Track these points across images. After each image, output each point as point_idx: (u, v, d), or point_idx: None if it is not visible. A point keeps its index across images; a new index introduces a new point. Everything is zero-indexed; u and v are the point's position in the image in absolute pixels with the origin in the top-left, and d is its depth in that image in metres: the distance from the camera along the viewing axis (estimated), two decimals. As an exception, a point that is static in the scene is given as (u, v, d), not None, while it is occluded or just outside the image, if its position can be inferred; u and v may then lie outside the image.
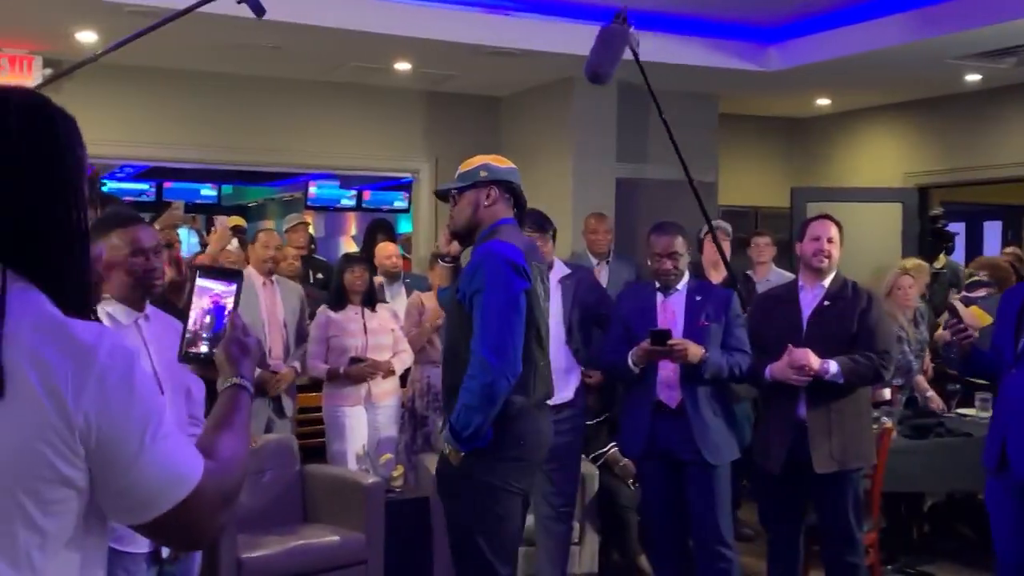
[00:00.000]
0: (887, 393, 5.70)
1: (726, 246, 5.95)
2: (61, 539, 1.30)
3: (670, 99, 7.99)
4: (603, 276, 6.08)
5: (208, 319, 1.73)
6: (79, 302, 1.35)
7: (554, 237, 4.56)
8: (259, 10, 3.96)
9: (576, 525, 4.76)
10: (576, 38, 6.72)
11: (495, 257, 3.19)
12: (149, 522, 1.32)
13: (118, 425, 1.28)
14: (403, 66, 7.19)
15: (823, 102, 8.97)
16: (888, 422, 5.04)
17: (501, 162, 3.47)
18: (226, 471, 1.40)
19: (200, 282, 1.75)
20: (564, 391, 4.40)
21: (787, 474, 4.17)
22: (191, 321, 1.74)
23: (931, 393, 5.75)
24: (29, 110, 1.35)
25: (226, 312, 1.73)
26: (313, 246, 8.36)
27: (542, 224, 4.46)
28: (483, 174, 3.40)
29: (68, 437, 1.26)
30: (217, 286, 1.75)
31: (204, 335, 1.73)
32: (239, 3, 3.96)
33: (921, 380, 5.69)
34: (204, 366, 1.72)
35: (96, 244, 2.86)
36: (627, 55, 4.44)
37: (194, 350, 1.73)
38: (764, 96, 8.51)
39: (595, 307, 4.49)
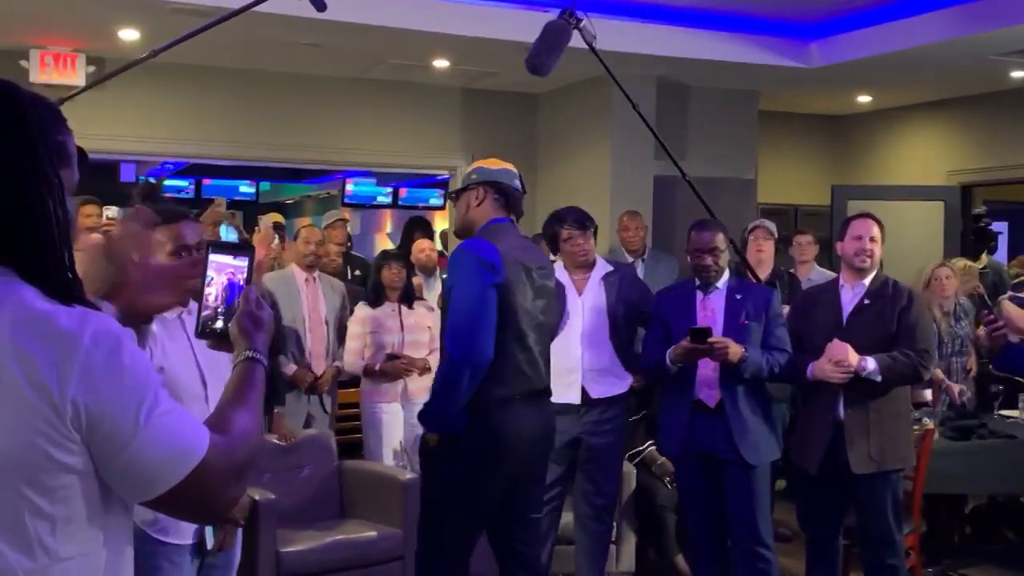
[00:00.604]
0: (928, 394, 5.65)
1: (770, 246, 5.91)
2: (74, 522, 1.32)
3: (709, 96, 8.01)
4: (639, 274, 6.05)
5: (222, 294, 1.73)
6: (64, 289, 1.35)
7: (595, 234, 4.55)
8: (320, 5, 4.02)
9: (613, 524, 4.74)
10: (615, 34, 6.71)
11: (466, 254, 3.40)
12: (157, 497, 1.34)
13: (108, 407, 1.29)
14: (441, 63, 7.20)
15: (864, 99, 8.88)
16: (929, 423, 4.98)
17: (494, 164, 3.62)
18: (235, 445, 1.41)
19: (213, 257, 1.75)
20: (607, 390, 4.39)
21: (825, 475, 4.13)
22: (206, 297, 1.74)
23: (948, 384, 5.68)
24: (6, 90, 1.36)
25: (239, 286, 1.72)
26: (350, 243, 8.39)
27: (582, 222, 4.48)
28: (474, 176, 3.57)
29: (59, 425, 1.28)
30: (230, 260, 1.74)
31: (219, 310, 1.73)
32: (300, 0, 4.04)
33: (938, 371, 5.64)
34: (221, 341, 1.72)
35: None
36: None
37: (210, 326, 1.73)
38: (804, 93, 8.44)
39: (639, 304, 4.48)
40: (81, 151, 1.62)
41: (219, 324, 1.72)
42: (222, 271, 1.74)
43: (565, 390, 4.35)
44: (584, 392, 4.40)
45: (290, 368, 5.33)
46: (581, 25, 4.45)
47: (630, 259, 6.35)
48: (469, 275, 3.34)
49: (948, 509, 5.53)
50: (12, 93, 1.37)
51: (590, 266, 4.51)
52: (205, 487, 1.36)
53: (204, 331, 1.74)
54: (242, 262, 1.75)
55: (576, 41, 6.61)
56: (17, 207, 1.33)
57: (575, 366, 4.39)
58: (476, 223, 3.52)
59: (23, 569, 1.29)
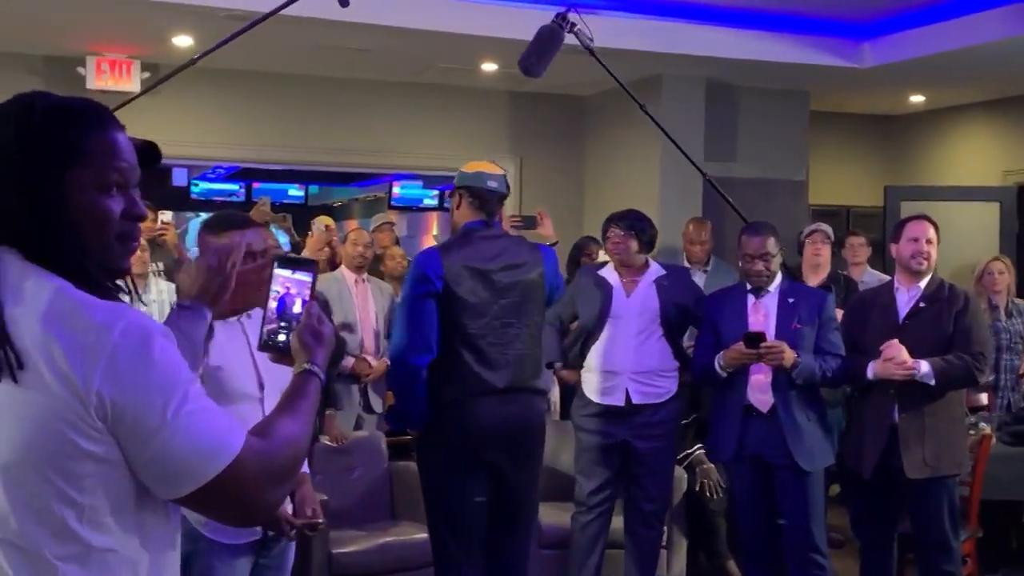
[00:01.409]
0: (984, 398, 5.56)
1: (827, 250, 5.83)
2: (102, 510, 1.34)
3: (759, 97, 7.95)
4: (700, 284, 5.89)
5: (285, 308, 1.75)
6: (96, 282, 1.38)
7: (649, 243, 4.53)
8: (343, 1, 4.13)
9: (664, 529, 4.72)
10: (664, 35, 6.69)
11: (411, 265, 3.80)
12: (188, 495, 1.35)
13: (134, 400, 1.31)
14: (489, 66, 7.21)
15: (917, 99, 8.75)
16: (986, 428, 4.90)
17: (471, 167, 3.78)
18: (274, 450, 1.42)
19: (277, 271, 1.77)
20: (652, 394, 4.37)
21: (879, 480, 4.08)
22: (269, 310, 1.76)
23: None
24: (11, 108, 1.40)
25: (303, 300, 1.75)
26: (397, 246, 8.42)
27: (628, 221, 4.51)
28: (455, 182, 3.77)
29: (84, 414, 1.30)
30: (294, 275, 1.76)
31: (282, 324, 1.75)
32: None
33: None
34: (282, 354, 1.74)
35: (208, 244, 2.93)
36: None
37: (272, 339, 1.75)
38: (856, 93, 8.34)
39: (694, 308, 4.46)
40: (152, 145, 1.63)
41: (282, 338, 1.75)
42: (281, 284, 1.76)
43: (608, 392, 4.36)
44: (627, 395, 4.38)
45: (348, 361, 5.37)
46: (576, 29, 4.55)
47: (690, 268, 6.23)
48: (406, 285, 3.67)
49: (1005, 515, 5.44)
50: (33, 100, 1.41)
51: (639, 268, 4.50)
52: (238, 488, 1.37)
53: (267, 344, 1.76)
54: (306, 277, 1.77)
55: (619, 43, 6.64)
56: (32, 207, 1.36)
57: (619, 369, 4.38)
58: (456, 227, 3.75)
59: (53, 554, 1.32)
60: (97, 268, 1.40)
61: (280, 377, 2.95)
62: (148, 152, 1.57)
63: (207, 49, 4.47)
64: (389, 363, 3.85)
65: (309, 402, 1.57)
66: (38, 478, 1.31)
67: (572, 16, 4.58)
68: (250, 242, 2.87)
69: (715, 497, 4.96)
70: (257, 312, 3.01)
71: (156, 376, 1.33)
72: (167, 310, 4.73)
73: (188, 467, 1.34)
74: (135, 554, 1.38)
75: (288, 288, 1.76)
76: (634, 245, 4.47)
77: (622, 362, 4.37)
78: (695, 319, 4.45)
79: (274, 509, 1.47)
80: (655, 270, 4.53)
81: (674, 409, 4.49)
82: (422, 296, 3.57)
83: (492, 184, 3.71)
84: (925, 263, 4.11)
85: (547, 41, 4.52)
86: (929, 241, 4.11)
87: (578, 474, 4.49)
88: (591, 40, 4.58)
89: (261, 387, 2.87)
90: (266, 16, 4.43)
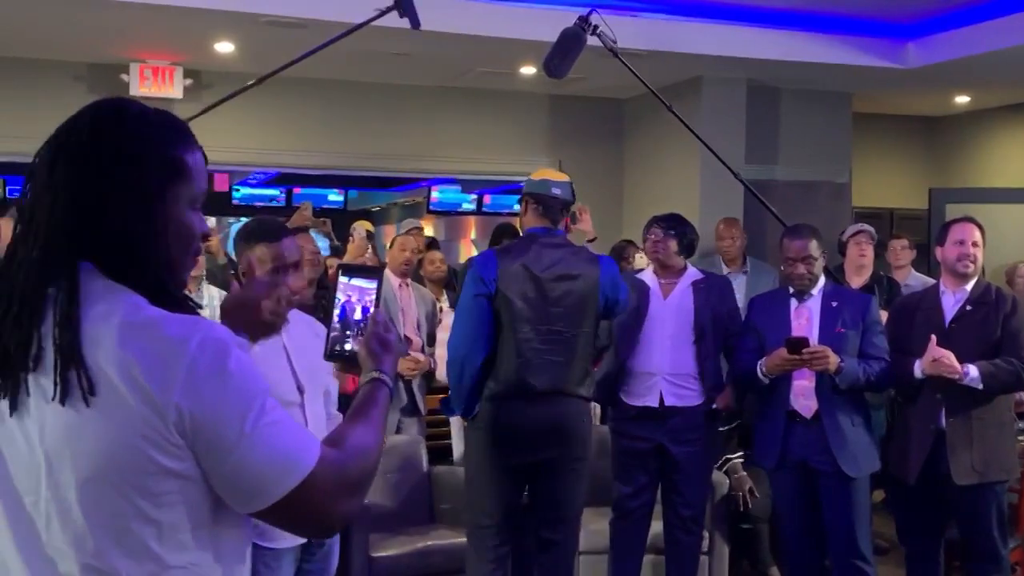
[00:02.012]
0: (1034, 403, 5.45)
1: (871, 251, 5.78)
2: (181, 529, 1.33)
3: (800, 98, 7.88)
4: (739, 288, 5.76)
5: (351, 317, 1.75)
6: (169, 297, 1.37)
7: (689, 246, 4.50)
8: (415, 22, 4.41)
9: (705, 534, 4.67)
10: (704, 37, 6.64)
11: (471, 264, 3.96)
12: (267, 508, 1.33)
13: (213, 414, 1.29)
14: (528, 70, 7.20)
15: (962, 99, 8.64)
16: (1036, 434, 4.80)
17: (538, 174, 3.99)
18: (349, 460, 1.41)
19: (342, 280, 1.77)
20: (687, 397, 4.34)
21: (925, 486, 4.01)
22: (335, 319, 1.76)
23: None
24: (100, 116, 1.39)
25: (368, 309, 1.74)
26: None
27: (668, 223, 4.50)
28: (523, 188, 3.97)
29: (163, 430, 1.28)
30: (359, 283, 1.77)
31: (348, 333, 1.75)
32: (401, 17, 4.27)
33: None
34: (348, 363, 1.74)
35: (243, 252, 2.95)
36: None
37: (338, 348, 1.75)
38: (900, 94, 8.24)
39: (726, 319, 4.41)
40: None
41: (347, 346, 1.74)
42: (347, 293, 1.76)
43: (644, 394, 4.34)
44: (661, 397, 4.36)
45: None
46: (599, 31, 4.63)
47: (727, 270, 6.21)
48: (464, 286, 3.84)
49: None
50: (122, 111, 1.40)
51: (678, 271, 4.47)
52: (315, 500, 1.35)
53: (332, 354, 1.76)
54: (369, 284, 1.77)
55: (658, 45, 6.60)
56: (125, 219, 1.35)
57: (655, 370, 4.35)
58: (524, 232, 3.95)
59: (129, 575, 1.31)
60: (173, 283, 1.41)
61: (317, 380, 2.98)
62: None
63: (267, 73, 4.79)
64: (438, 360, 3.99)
65: (380, 411, 1.56)
66: (117, 497, 1.29)
67: (594, 18, 4.65)
68: (283, 254, 2.89)
69: (746, 509, 4.91)
70: (295, 316, 3.03)
71: (234, 389, 1.31)
72: (217, 315, 4.77)
73: (266, 480, 1.32)
74: (209, 570, 1.36)
75: (350, 296, 1.76)
76: (673, 246, 4.45)
77: (658, 363, 4.35)
78: (728, 332, 4.39)
79: (348, 519, 1.45)
80: (693, 274, 4.50)
81: (711, 413, 4.44)
82: (476, 296, 3.76)
83: (556, 191, 3.86)
84: (971, 266, 4.04)
85: (569, 43, 4.63)
86: (975, 244, 4.05)
87: (615, 479, 4.47)
88: (615, 42, 4.66)
89: (300, 391, 2.88)
90: (344, 34, 4.68)
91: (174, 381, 1.28)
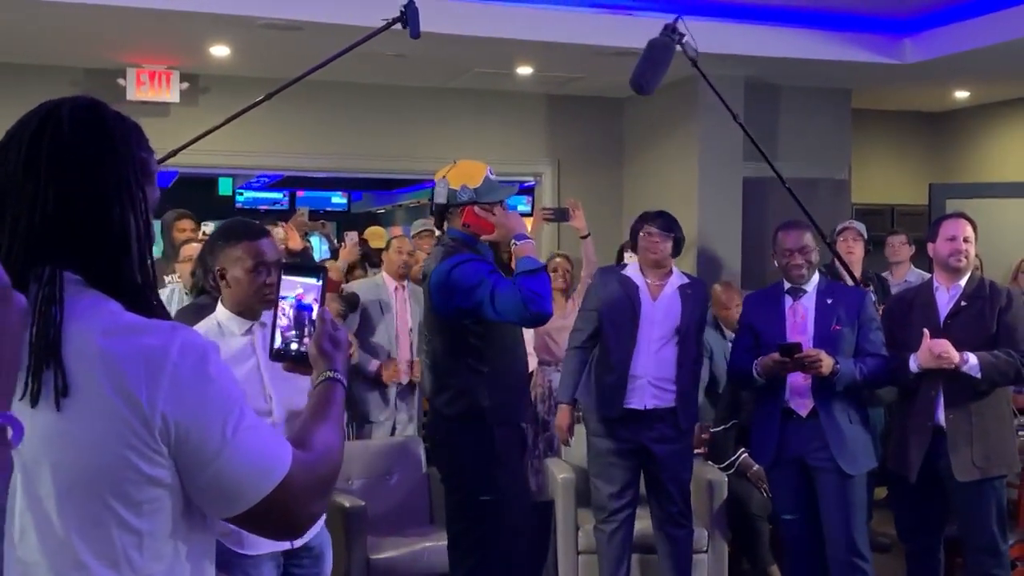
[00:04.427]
0: (1034, 398, 5.43)
1: (860, 247, 5.74)
2: (159, 537, 1.32)
3: (799, 95, 7.86)
4: None
5: (296, 316, 1.73)
6: (143, 303, 1.36)
7: (679, 247, 4.46)
8: (415, 33, 4.33)
9: (704, 533, 4.66)
10: (701, 35, 6.60)
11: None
12: (242, 514, 1.33)
13: (196, 420, 1.29)
14: (525, 70, 7.20)
15: (962, 94, 8.61)
16: (1036, 429, 4.78)
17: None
18: (319, 461, 1.41)
19: (285, 278, 1.75)
20: (669, 399, 4.32)
21: (925, 482, 4.00)
22: (280, 319, 1.74)
23: None
24: (79, 116, 1.37)
25: (314, 308, 1.72)
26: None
27: (667, 224, 4.43)
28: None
29: (148, 438, 1.27)
30: (303, 282, 1.74)
31: (294, 332, 1.73)
32: (404, 28, 4.25)
33: None
34: (297, 363, 1.72)
35: (221, 252, 2.93)
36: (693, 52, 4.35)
37: (285, 348, 1.73)
38: (899, 90, 8.22)
39: (696, 324, 4.40)
40: None
41: (294, 346, 1.73)
42: (290, 291, 1.74)
43: (631, 396, 4.31)
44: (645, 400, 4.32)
45: (374, 365, 5.38)
46: (684, 40, 4.38)
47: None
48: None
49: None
50: (99, 110, 1.39)
51: (665, 273, 4.44)
52: (288, 504, 1.35)
53: (280, 354, 1.74)
54: (316, 283, 1.74)
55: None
56: (100, 222, 1.34)
57: (641, 374, 4.31)
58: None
59: None
60: (148, 286, 1.39)
61: (284, 388, 2.95)
62: None
63: (277, 88, 4.86)
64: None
65: (338, 409, 1.55)
66: (100, 506, 1.28)
67: (680, 27, 4.39)
68: (263, 252, 2.87)
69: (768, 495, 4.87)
70: (265, 327, 2.97)
71: (215, 394, 1.31)
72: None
73: (245, 485, 1.32)
74: (179, 568, 1.36)
75: (298, 296, 1.73)
76: (670, 247, 4.42)
77: (643, 367, 4.31)
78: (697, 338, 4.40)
79: (316, 520, 1.46)
80: (679, 277, 4.47)
81: (686, 409, 4.41)
82: None
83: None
84: (964, 260, 4.03)
85: (659, 55, 4.35)
86: (967, 239, 4.03)
87: (596, 479, 4.43)
88: (697, 52, 4.41)
89: (268, 398, 2.86)
90: (353, 46, 4.63)
91: (159, 389, 1.27)
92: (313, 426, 1.48)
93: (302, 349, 1.71)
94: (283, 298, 1.74)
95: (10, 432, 1.02)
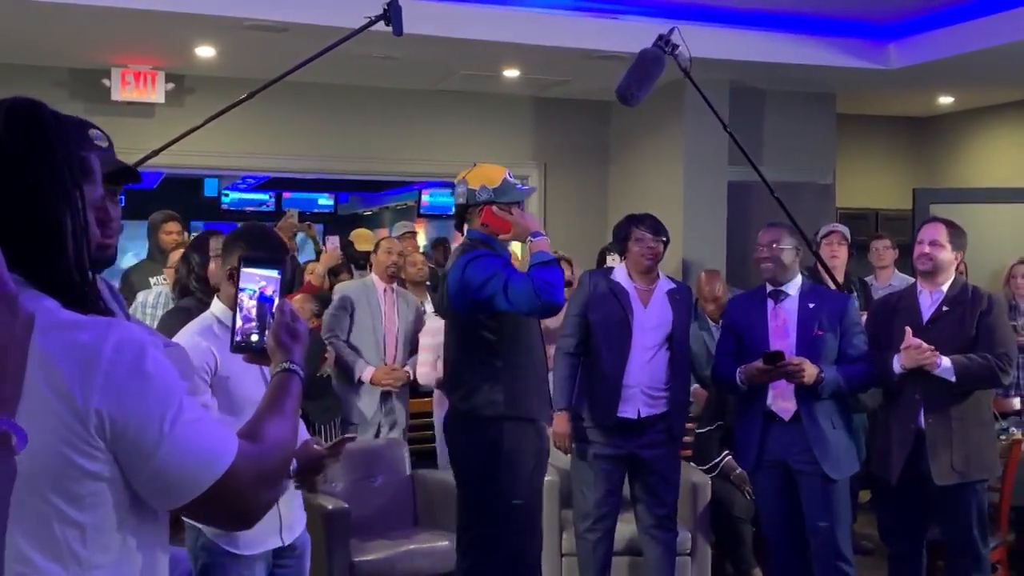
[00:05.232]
0: (1016, 403, 5.47)
1: (844, 251, 5.76)
2: (104, 529, 1.33)
3: (784, 100, 7.89)
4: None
5: (257, 308, 1.74)
6: (80, 300, 1.36)
7: (665, 246, 4.46)
8: (398, 29, 4.32)
9: (688, 536, 4.67)
10: (687, 40, 6.63)
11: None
12: (187, 504, 1.35)
13: (132, 415, 1.30)
14: (512, 73, 7.21)
15: (946, 100, 8.66)
16: (1017, 433, 4.82)
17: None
18: (266, 452, 1.43)
19: (245, 270, 1.75)
20: (661, 405, 4.31)
21: (907, 486, 4.02)
22: (240, 311, 1.74)
23: None
24: (15, 115, 1.38)
25: (271, 299, 1.73)
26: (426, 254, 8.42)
27: (657, 228, 4.38)
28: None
29: (84, 434, 1.29)
30: (262, 274, 1.75)
31: (255, 324, 1.73)
32: (387, 26, 4.25)
33: None
34: (257, 355, 1.73)
35: (228, 254, 2.95)
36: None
37: (246, 340, 1.74)
38: (883, 95, 8.27)
39: (682, 328, 4.38)
40: (131, 169, 1.66)
41: (255, 338, 1.73)
42: (251, 283, 1.74)
43: (624, 404, 4.26)
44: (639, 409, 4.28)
45: (368, 372, 5.37)
46: (676, 52, 4.34)
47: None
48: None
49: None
50: (37, 109, 1.40)
51: (654, 277, 4.40)
52: (234, 494, 1.38)
53: (240, 346, 1.75)
54: (275, 275, 1.75)
55: (640, 47, 6.60)
56: (33, 220, 1.35)
57: (634, 383, 4.25)
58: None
59: None
60: (85, 284, 1.40)
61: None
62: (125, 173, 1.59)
63: (259, 87, 4.81)
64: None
65: (293, 401, 1.57)
66: (40, 502, 1.30)
67: (675, 37, 4.35)
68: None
69: (751, 499, 4.89)
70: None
71: (152, 390, 1.33)
72: (145, 316, 4.74)
73: (187, 477, 1.34)
74: (131, 564, 1.38)
75: (258, 287, 1.74)
76: (661, 252, 4.39)
77: (636, 375, 4.25)
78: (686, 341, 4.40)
79: (267, 510, 1.47)
80: (666, 281, 4.42)
81: (678, 416, 4.41)
82: None
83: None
84: (929, 264, 4.03)
85: (650, 66, 4.29)
86: (933, 243, 4.03)
87: (582, 485, 4.38)
88: (690, 63, 4.38)
89: None
90: (336, 43, 4.60)
91: (93, 386, 1.29)
92: (265, 418, 1.50)
93: (263, 341, 1.71)
94: (243, 290, 1.75)
95: (14, 439, 1.05)
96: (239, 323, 1.74)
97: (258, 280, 1.74)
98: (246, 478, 1.38)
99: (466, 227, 3.82)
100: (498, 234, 3.73)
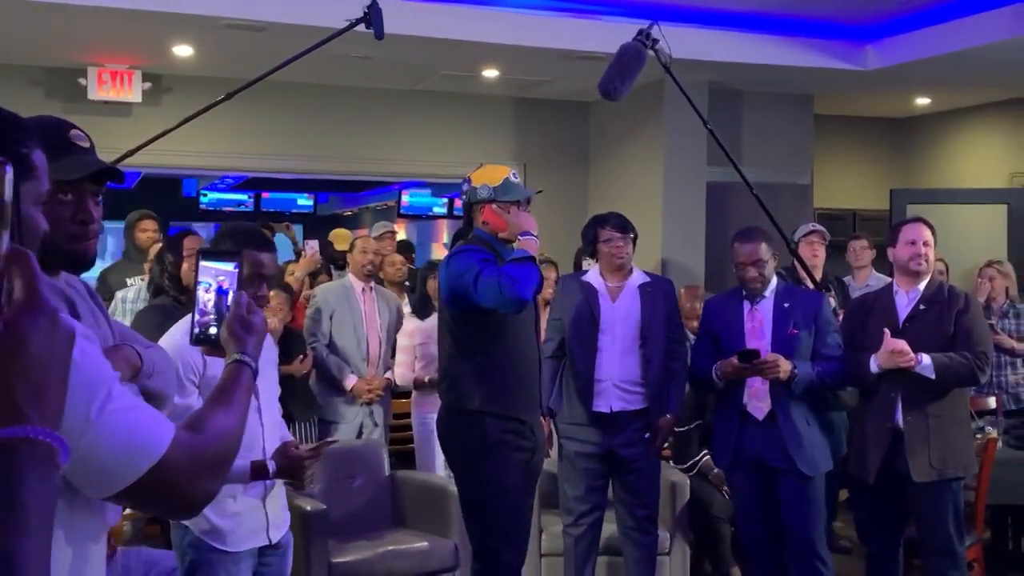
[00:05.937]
0: (992, 402, 5.52)
1: (822, 251, 5.79)
2: None
3: (762, 100, 7.93)
4: None
5: (216, 301, 1.76)
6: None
7: (634, 243, 4.49)
8: (379, 33, 4.34)
9: (667, 535, 4.68)
10: (668, 41, 6.65)
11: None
12: (120, 492, 1.35)
13: None
14: (491, 73, 7.21)
15: (923, 101, 8.72)
16: (993, 432, 4.85)
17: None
18: (206, 442, 1.43)
19: (203, 264, 1.77)
20: (637, 401, 4.33)
21: (884, 484, 4.04)
22: (198, 304, 1.76)
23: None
24: None
25: (228, 292, 1.75)
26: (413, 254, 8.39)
27: (623, 225, 4.42)
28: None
29: None
30: (220, 267, 1.77)
31: (212, 317, 1.75)
32: (367, 29, 4.25)
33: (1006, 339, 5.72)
34: (215, 347, 1.75)
35: None
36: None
37: (204, 332, 1.76)
38: (861, 96, 8.32)
39: (667, 321, 4.39)
40: (114, 169, 1.65)
41: (212, 330, 1.75)
42: (209, 277, 1.77)
43: (597, 399, 4.31)
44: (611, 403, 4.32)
45: (351, 380, 5.36)
46: (657, 46, 4.37)
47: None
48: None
49: (1013, 520, 5.38)
50: None
51: (626, 273, 4.44)
52: (169, 483, 1.37)
53: (199, 338, 1.77)
54: (232, 268, 1.77)
55: (618, 47, 6.61)
56: None
57: (604, 377, 4.31)
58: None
59: None
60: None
61: (271, 381, 2.97)
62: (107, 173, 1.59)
63: (238, 88, 4.76)
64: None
65: (243, 392, 1.58)
66: None
67: (655, 32, 4.39)
68: (262, 263, 2.86)
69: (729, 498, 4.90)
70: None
71: (77, 378, 1.29)
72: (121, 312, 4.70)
73: (116, 466, 1.34)
74: (60, 552, 1.37)
75: (215, 280, 1.76)
76: (631, 249, 4.43)
77: (607, 370, 4.31)
78: (669, 335, 4.38)
79: (210, 499, 1.47)
80: (640, 276, 4.46)
81: (656, 412, 4.42)
82: None
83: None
84: (924, 264, 4.08)
85: (631, 61, 4.32)
86: (926, 243, 4.08)
87: (565, 482, 4.42)
88: (670, 58, 4.41)
89: (256, 394, 2.87)
90: (317, 45, 4.60)
91: None
92: (211, 408, 1.51)
93: (218, 333, 1.73)
94: (200, 283, 1.77)
95: (59, 454, 1.05)
96: (197, 316, 1.76)
97: (215, 274, 1.77)
98: (182, 467, 1.38)
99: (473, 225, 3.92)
100: (497, 232, 3.79)
